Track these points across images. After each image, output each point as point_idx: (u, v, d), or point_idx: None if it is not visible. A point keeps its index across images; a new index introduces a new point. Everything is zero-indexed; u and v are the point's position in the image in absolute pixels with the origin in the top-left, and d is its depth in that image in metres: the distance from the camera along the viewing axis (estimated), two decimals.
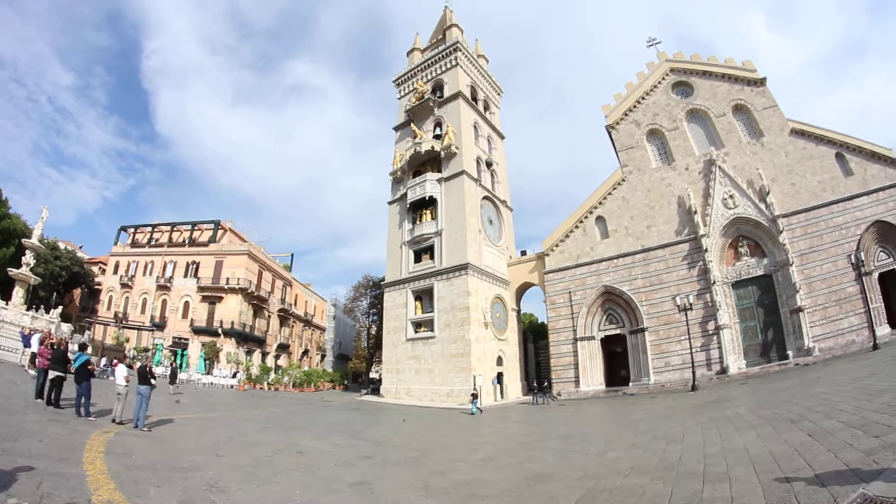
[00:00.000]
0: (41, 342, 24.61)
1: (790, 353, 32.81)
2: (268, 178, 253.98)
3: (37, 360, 18.12)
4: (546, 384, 40.36)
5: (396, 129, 53.66)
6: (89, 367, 15.30)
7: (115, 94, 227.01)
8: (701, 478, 8.60)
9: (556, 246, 44.17)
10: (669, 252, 38.49)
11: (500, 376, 41.48)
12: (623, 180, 43.05)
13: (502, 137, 54.76)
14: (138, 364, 20.36)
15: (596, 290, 40.67)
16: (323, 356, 77.79)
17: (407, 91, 53.87)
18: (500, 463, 13.64)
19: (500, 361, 42.40)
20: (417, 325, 43.75)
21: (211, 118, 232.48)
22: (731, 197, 37.08)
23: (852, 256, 32.19)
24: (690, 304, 33.34)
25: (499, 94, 57.74)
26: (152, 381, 14.97)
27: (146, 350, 54.83)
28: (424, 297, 44.30)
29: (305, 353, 75.22)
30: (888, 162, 34.57)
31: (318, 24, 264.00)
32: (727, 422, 15.42)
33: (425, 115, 49.67)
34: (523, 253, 49.46)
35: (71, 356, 20.22)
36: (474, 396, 31.31)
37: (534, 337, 54.88)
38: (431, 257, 44.45)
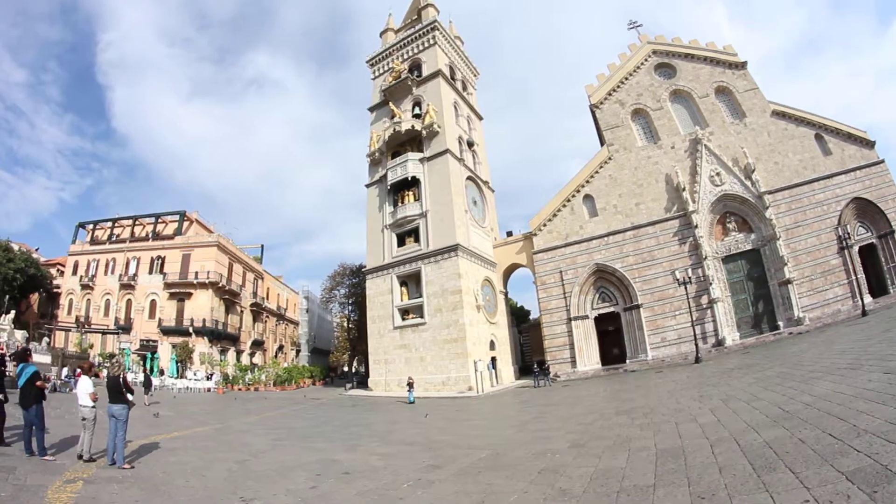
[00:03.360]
0: None
1: (780, 323, 34.81)
2: (227, 173, 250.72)
3: None
4: (546, 366, 39.83)
5: (372, 109, 52.22)
6: (38, 383, 11.18)
7: (69, 90, 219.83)
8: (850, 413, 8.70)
9: (544, 225, 44.18)
10: (660, 228, 39.55)
11: (493, 361, 41.29)
12: (609, 159, 43.55)
13: (480, 118, 54.19)
14: (107, 374, 16.73)
15: (588, 269, 40.96)
16: (298, 351, 76.48)
17: (382, 71, 52.49)
18: (602, 446, 11.38)
19: (492, 346, 42.17)
20: (405, 311, 42.84)
21: (168, 113, 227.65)
22: (717, 174, 38.47)
23: (839, 229, 34.51)
24: (690, 278, 34.14)
25: (475, 76, 56.97)
26: (129, 396, 11.42)
27: (112, 356, 49.55)
28: (410, 282, 43.47)
29: (280, 348, 73.09)
30: (863, 143, 37.57)
31: (278, 15, 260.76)
32: (781, 379, 15.57)
33: (403, 95, 48.56)
34: (509, 234, 49.40)
35: (10, 371, 16.98)
36: (410, 386, 31.96)
37: (517, 320, 56.51)
38: (416, 240, 43.66)
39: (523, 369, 47.69)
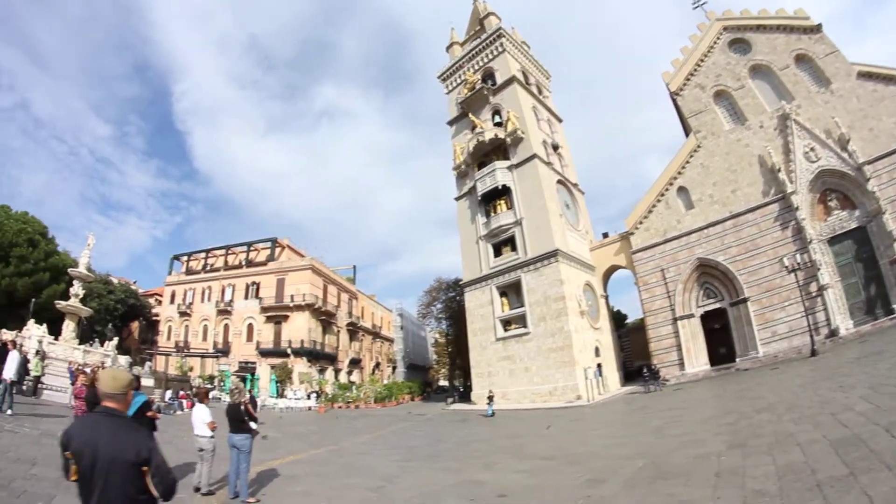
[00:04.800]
0: (74, 379, 21.80)
1: (895, 306, 32.44)
2: (309, 201, 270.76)
3: (73, 403, 14.10)
4: (656, 370, 38.89)
5: (451, 123, 54.82)
6: (149, 413, 10.42)
7: (152, 138, 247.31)
8: None
9: (640, 223, 44.06)
10: (760, 215, 38.38)
11: (598, 368, 41.22)
12: (698, 147, 43.12)
13: (560, 120, 55.37)
14: (228, 399, 15.87)
15: (689, 265, 40.44)
16: (394, 368, 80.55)
17: (455, 84, 55.16)
18: (765, 443, 11.12)
19: (597, 352, 42.30)
20: (506, 322, 43.78)
21: (246, 150, 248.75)
22: (812, 150, 37.10)
23: None
24: (799, 264, 33.27)
25: (547, 79, 58.65)
26: (252, 424, 11.21)
27: (212, 378, 55.01)
28: (510, 292, 44.34)
29: (377, 366, 77.35)
30: None
31: (338, 49, 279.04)
32: None
33: (481, 105, 50.79)
34: (605, 235, 49.80)
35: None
36: (490, 399, 33.34)
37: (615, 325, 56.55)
38: (513, 249, 44.58)
39: (627, 375, 47.94)
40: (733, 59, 43.98)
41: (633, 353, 55.87)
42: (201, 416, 10.83)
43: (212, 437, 10.66)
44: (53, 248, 58.12)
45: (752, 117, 41.58)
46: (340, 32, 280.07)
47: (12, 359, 17.85)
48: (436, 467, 14.96)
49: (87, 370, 14.15)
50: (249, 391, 38.14)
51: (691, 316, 40.61)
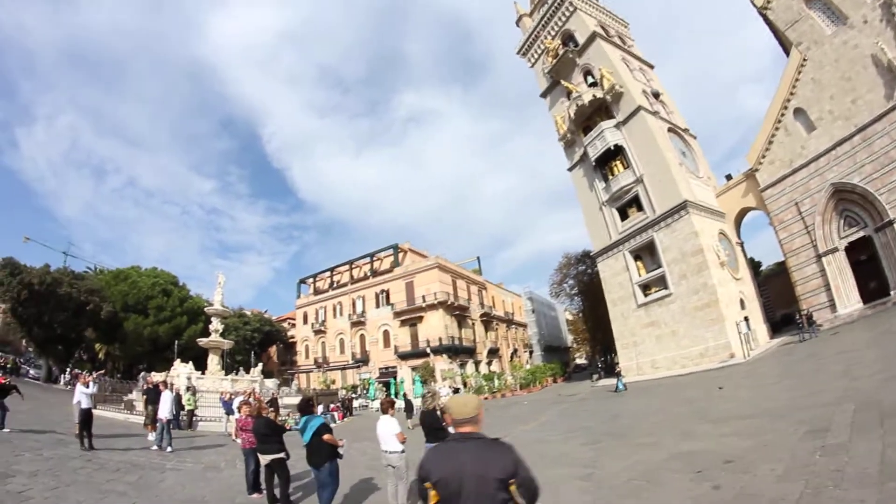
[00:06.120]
0: (228, 408, 24.42)
1: None
2: (413, 206, 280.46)
3: (237, 435, 13.73)
4: (810, 315, 36.14)
5: (544, 95, 55.51)
6: (325, 437, 9.29)
7: (252, 182, 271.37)
8: None
9: (763, 157, 41.78)
10: (888, 122, 34.63)
11: (746, 321, 39.37)
12: (804, 61, 40.02)
13: (651, 67, 54.07)
14: (420, 406, 14.85)
15: (824, 193, 37.50)
16: (531, 352, 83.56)
17: (537, 56, 56.05)
18: None
19: (742, 305, 40.78)
20: (645, 286, 43.55)
21: (343, 171, 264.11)
22: None
23: None
24: None
25: (626, 27, 57.75)
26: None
27: (355, 387, 59.85)
28: (644, 254, 44.16)
29: (514, 352, 79.81)
30: None
31: (406, 56, 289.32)
32: None
33: (569, 70, 51.10)
34: (728, 177, 47.85)
35: (290, 422, 19.04)
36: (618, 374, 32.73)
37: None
38: (639, 209, 44.17)
39: (772, 327, 45.44)
40: None
41: (774, 302, 53.69)
42: (390, 429, 9.68)
43: (402, 451, 9.57)
44: (186, 294, 65.68)
45: (852, 13, 37.88)
46: (403, 40, 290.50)
47: (166, 398, 19.14)
48: (631, 444, 14.02)
49: (251, 400, 14.59)
50: (405, 394, 39.80)
51: (835, 250, 37.85)
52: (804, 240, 39.24)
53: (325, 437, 9.17)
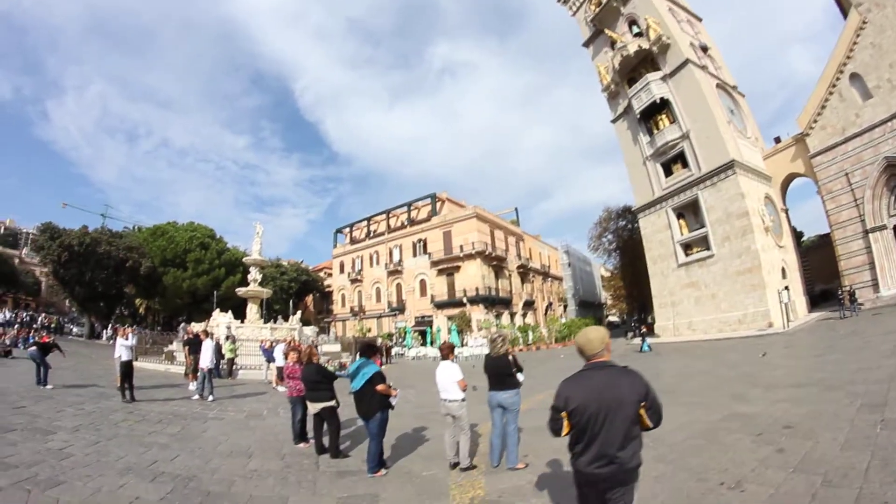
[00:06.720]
0: (286, 354, 21.02)
1: None
2: (451, 157, 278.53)
3: (284, 383, 12.74)
4: (853, 292, 34.25)
5: (586, 44, 53.30)
6: (379, 387, 8.88)
7: (286, 136, 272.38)
8: None
9: (815, 122, 39.58)
10: None
11: (786, 291, 37.73)
12: (864, 23, 36.97)
13: (699, 19, 51.43)
14: (486, 348, 13.32)
15: (877, 166, 35.26)
16: (565, 307, 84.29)
17: (578, 3, 53.39)
18: None
19: (783, 273, 39.91)
20: (687, 246, 42.89)
21: (378, 124, 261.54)
22: None
23: None
24: None
25: None
26: (520, 376, 9.10)
27: (390, 335, 60.36)
28: (687, 212, 43.35)
29: (549, 306, 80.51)
30: None
31: (437, 5, 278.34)
32: None
33: (613, 19, 48.85)
34: (777, 140, 46.16)
35: (337, 367, 19.32)
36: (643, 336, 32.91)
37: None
38: (684, 165, 43.10)
39: (811, 301, 44.45)
40: None
41: (814, 276, 51.90)
42: (451, 375, 8.97)
43: (463, 399, 8.94)
44: (224, 246, 67.12)
45: None
46: None
47: (207, 347, 18.87)
48: (681, 403, 13.24)
49: (301, 347, 13.39)
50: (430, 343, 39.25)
51: (883, 227, 35.98)
52: (852, 213, 37.49)
53: (379, 387, 8.86)
